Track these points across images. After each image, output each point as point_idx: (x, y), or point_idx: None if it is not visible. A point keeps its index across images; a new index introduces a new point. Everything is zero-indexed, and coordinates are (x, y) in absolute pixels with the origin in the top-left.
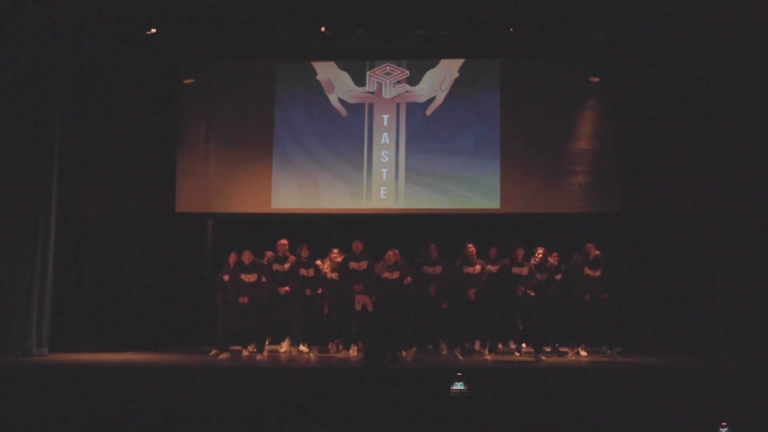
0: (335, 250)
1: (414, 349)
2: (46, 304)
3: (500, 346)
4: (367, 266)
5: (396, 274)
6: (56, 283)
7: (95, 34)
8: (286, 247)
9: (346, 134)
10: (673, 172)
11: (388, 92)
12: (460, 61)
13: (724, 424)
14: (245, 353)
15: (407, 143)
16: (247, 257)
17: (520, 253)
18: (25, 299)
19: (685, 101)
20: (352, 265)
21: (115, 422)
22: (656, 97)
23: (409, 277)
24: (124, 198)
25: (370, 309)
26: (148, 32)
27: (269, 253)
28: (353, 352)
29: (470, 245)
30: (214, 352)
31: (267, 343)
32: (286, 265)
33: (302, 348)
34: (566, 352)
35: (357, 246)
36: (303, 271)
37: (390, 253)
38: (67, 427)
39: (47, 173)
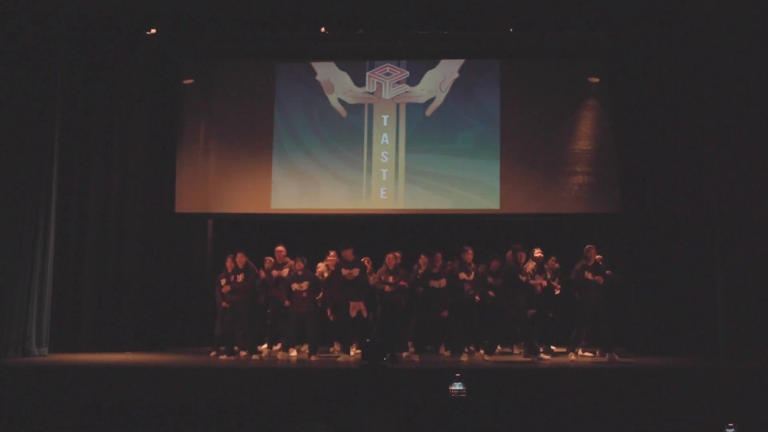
0: (332, 253)
1: (412, 350)
2: (46, 304)
3: (499, 348)
4: (359, 273)
5: (395, 277)
6: (56, 283)
7: (95, 34)
8: (284, 253)
9: (346, 134)
10: (673, 172)
11: (388, 92)
12: (460, 61)
13: (731, 424)
14: (243, 354)
15: (407, 143)
16: (239, 259)
17: (522, 256)
18: (25, 299)
19: (684, 101)
20: (344, 272)
21: (115, 422)
22: (656, 97)
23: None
24: (124, 198)
25: (365, 315)
26: (148, 32)
27: (269, 259)
28: (353, 354)
29: (469, 251)
30: (213, 353)
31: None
32: (284, 271)
33: (292, 352)
34: (562, 353)
35: (348, 254)
36: (296, 286)
37: (390, 256)
38: (67, 427)
39: (47, 173)
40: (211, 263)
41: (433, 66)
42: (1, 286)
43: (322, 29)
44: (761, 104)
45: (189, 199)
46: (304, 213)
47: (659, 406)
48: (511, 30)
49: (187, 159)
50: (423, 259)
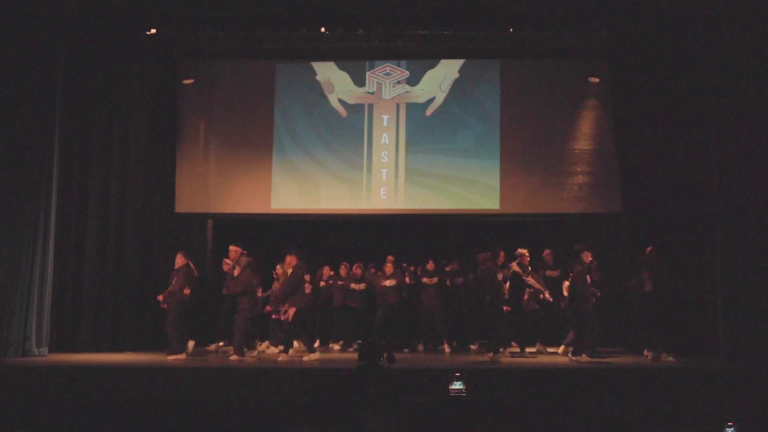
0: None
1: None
2: (46, 304)
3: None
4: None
5: (393, 282)
6: (56, 283)
7: (95, 34)
8: (236, 252)
9: (346, 135)
10: (673, 172)
11: (388, 92)
12: (460, 61)
13: (730, 423)
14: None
15: (407, 143)
16: (178, 260)
17: (587, 256)
18: (25, 299)
19: (685, 101)
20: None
21: (115, 422)
22: (656, 97)
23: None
24: (124, 198)
25: (290, 319)
26: (148, 32)
27: (226, 261)
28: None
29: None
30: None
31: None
32: (236, 270)
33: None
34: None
35: (291, 259)
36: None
37: (389, 258)
38: (67, 427)
39: (47, 173)
40: (211, 263)
41: (433, 66)
42: (1, 286)
43: (322, 29)
44: (761, 104)
45: (189, 199)
46: (304, 213)
47: (659, 406)
48: (511, 30)
49: (187, 159)
50: (431, 265)
